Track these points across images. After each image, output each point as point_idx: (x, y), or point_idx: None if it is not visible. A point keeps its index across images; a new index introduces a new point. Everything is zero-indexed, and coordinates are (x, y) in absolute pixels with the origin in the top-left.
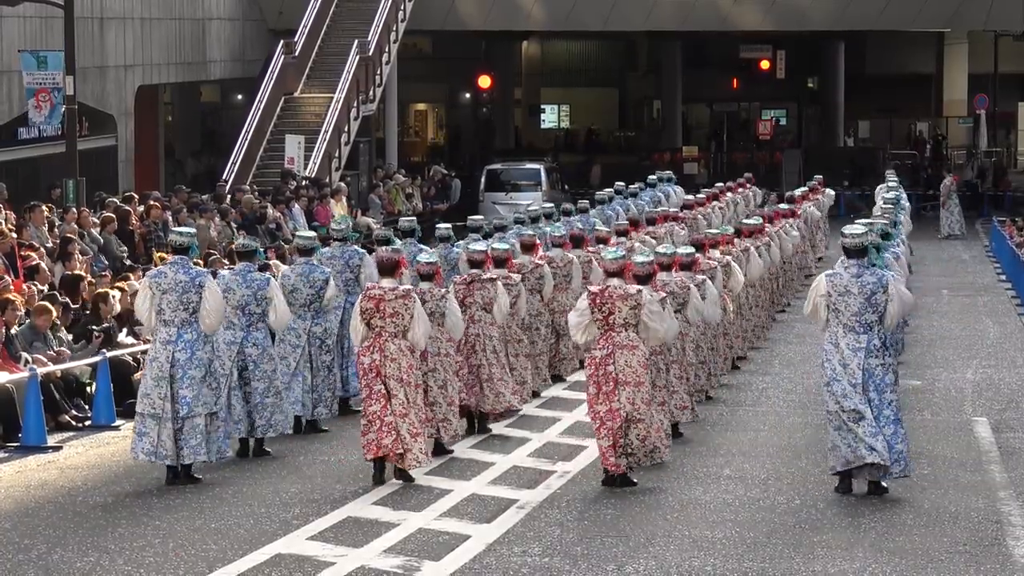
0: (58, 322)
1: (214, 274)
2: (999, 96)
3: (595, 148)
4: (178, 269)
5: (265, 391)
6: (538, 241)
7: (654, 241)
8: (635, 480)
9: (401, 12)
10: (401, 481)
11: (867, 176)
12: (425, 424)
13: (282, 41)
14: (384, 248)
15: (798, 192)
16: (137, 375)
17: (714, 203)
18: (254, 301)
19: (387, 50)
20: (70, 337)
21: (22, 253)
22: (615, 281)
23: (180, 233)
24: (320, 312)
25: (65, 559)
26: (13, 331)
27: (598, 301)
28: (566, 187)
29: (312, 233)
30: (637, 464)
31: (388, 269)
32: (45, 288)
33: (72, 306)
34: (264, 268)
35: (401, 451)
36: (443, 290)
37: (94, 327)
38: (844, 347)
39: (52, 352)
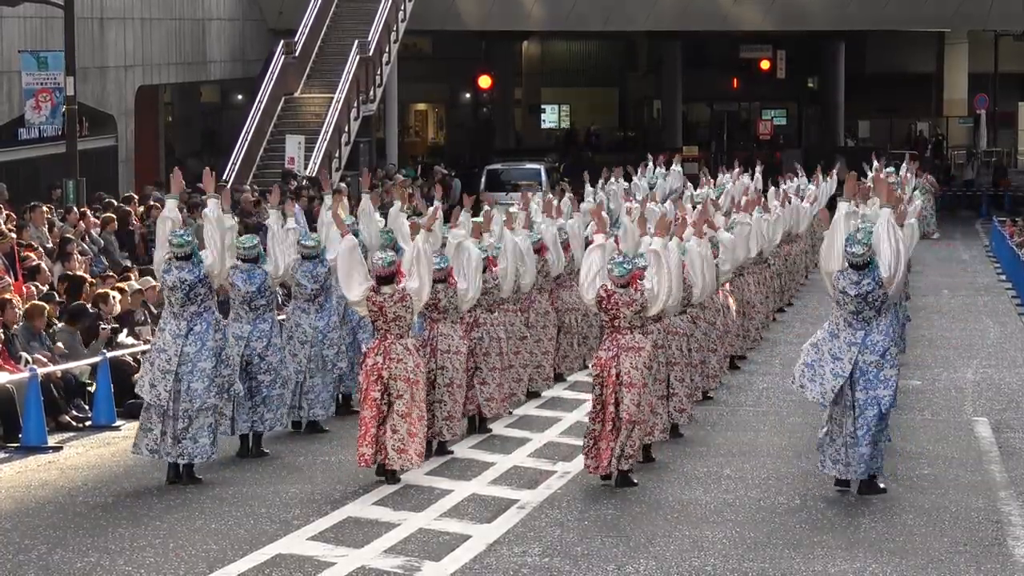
0: (56, 322)
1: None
2: (999, 96)
3: (594, 148)
4: (182, 268)
5: (272, 383)
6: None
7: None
8: (636, 480)
9: (401, 12)
10: (389, 481)
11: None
12: (423, 425)
13: (282, 41)
14: (379, 259)
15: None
16: (138, 375)
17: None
18: (259, 296)
19: (387, 50)
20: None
21: (22, 254)
22: (621, 290)
23: (180, 244)
24: (324, 307)
25: (65, 559)
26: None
27: (605, 305)
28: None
29: (314, 241)
30: (632, 466)
31: (386, 280)
32: (45, 288)
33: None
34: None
35: (384, 458)
36: (455, 286)
37: (103, 324)
38: (843, 339)
39: (50, 348)
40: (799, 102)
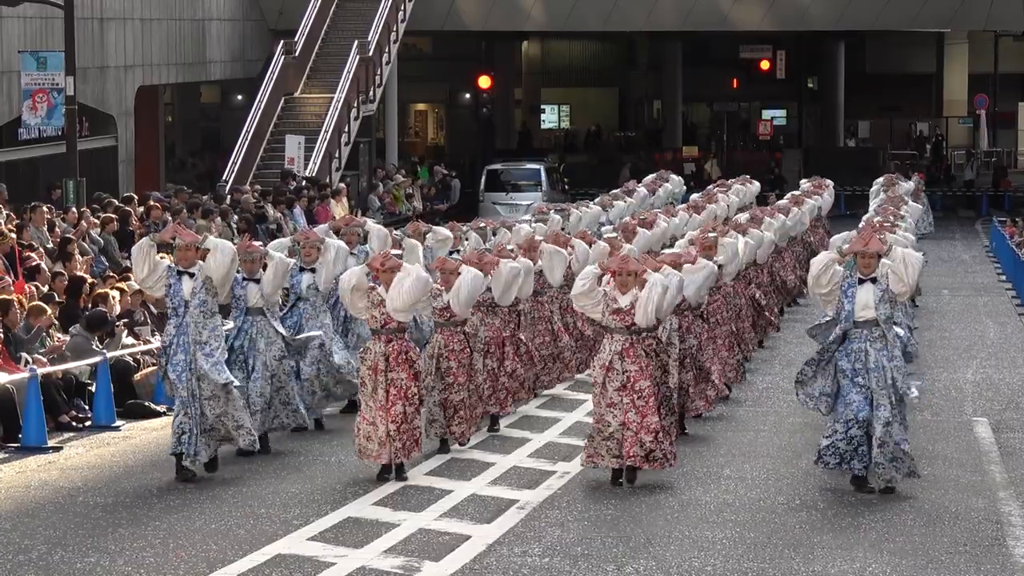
0: (55, 321)
1: None
2: (999, 96)
3: (595, 148)
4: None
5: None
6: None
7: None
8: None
9: (401, 12)
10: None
11: (869, 176)
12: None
13: (282, 41)
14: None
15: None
16: (138, 375)
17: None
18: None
19: (387, 50)
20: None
21: (23, 254)
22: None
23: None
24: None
25: (65, 559)
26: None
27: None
28: (567, 187)
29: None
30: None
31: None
32: (46, 288)
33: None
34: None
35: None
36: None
37: (119, 321)
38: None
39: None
40: (799, 102)
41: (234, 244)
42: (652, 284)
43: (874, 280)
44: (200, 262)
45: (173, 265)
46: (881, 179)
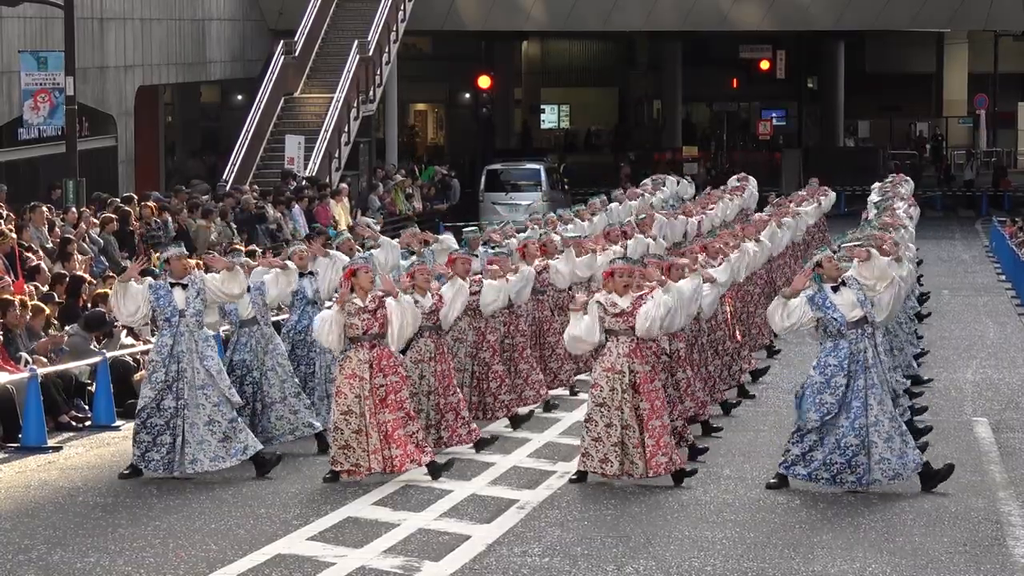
0: (54, 321)
1: None
2: (999, 96)
3: (594, 148)
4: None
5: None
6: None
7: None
8: (690, 471)
9: (401, 12)
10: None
11: (869, 176)
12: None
13: (282, 41)
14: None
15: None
16: (138, 375)
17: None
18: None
19: (387, 50)
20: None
21: (24, 254)
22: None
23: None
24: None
25: (65, 559)
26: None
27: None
28: (566, 187)
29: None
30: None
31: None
32: (45, 288)
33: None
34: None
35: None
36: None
37: (116, 323)
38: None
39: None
40: (799, 102)
41: (235, 242)
42: (657, 301)
43: (844, 283)
44: (197, 271)
45: (156, 281)
46: (880, 184)
